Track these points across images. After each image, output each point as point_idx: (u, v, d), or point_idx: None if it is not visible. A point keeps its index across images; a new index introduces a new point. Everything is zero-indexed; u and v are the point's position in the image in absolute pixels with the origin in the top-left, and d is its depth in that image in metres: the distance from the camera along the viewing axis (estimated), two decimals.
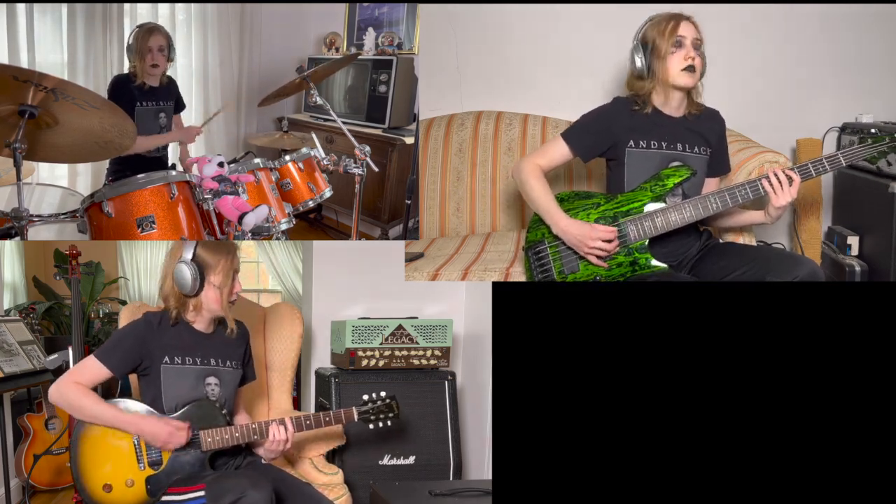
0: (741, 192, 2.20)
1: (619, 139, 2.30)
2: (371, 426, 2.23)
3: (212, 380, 2.12)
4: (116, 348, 2.06)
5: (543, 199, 2.32)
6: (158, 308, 2.19)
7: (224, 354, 2.16)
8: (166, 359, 2.07)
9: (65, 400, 2.02)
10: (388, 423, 2.24)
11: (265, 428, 2.11)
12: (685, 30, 2.24)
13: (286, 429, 2.12)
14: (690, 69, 2.23)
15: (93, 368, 2.03)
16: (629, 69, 2.32)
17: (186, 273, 2.05)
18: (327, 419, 2.19)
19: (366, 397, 2.25)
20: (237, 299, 2.16)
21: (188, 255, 2.07)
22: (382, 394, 2.25)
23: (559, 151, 2.38)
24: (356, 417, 2.22)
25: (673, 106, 2.32)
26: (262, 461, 2.20)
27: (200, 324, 2.14)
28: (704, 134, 2.36)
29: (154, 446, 2.02)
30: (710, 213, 2.23)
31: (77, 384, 2.01)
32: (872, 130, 2.77)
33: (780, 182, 2.16)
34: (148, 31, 3.04)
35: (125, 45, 3.10)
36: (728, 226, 2.48)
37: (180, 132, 3.29)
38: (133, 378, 2.20)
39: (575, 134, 2.36)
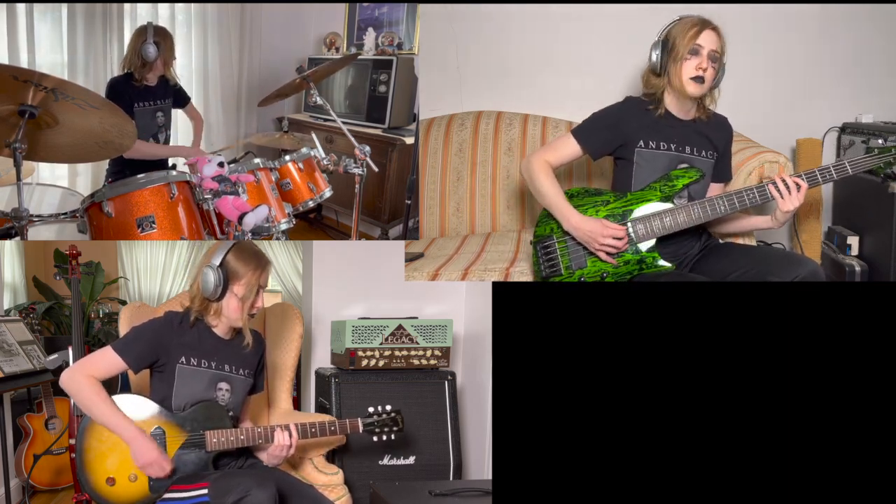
0: (749, 196, 2.20)
1: (630, 138, 2.31)
2: (375, 438, 2.25)
3: (223, 385, 2.12)
4: (136, 342, 2.05)
5: (554, 195, 2.33)
6: (181, 307, 2.20)
7: (239, 362, 2.16)
8: (183, 359, 2.07)
9: (76, 390, 2.01)
10: (392, 436, 2.26)
11: (270, 433, 2.11)
12: (705, 39, 2.23)
13: (290, 435, 2.12)
14: (699, 80, 2.23)
15: (109, 360, 2.02)
16: (648, 63, 2.32)
17: (210, 278, 2.05)
18: (332, 428, 2.20)
19: (371, 409, 2.26)
20: (257, 314, 2.15)
21: (217, 260, 2.06)
22: (388, 407, 2.27)
23: (569, 148, 2.38)
24: (361, 429, 2.24)
25: (683, 109, 2.34)
26: (264, 463, 2.20)
27: (220, 329, 2.14)
28: (712, 139, 2.37)
29: (135, 463, 2.01)
30: (718, 216, 2.24)
31: (90, 378, 1.99)
32: (880, 141, 2.76)
33: (787, 188, 2.16)
34: (171, 41, 3.05)
35: (147, 42, 2.98)
36: (733, 231, 2.49)
37: (185, 149, 3.30)
38: (131, 374, 2.20)
39: (586, 131, 2.37)
